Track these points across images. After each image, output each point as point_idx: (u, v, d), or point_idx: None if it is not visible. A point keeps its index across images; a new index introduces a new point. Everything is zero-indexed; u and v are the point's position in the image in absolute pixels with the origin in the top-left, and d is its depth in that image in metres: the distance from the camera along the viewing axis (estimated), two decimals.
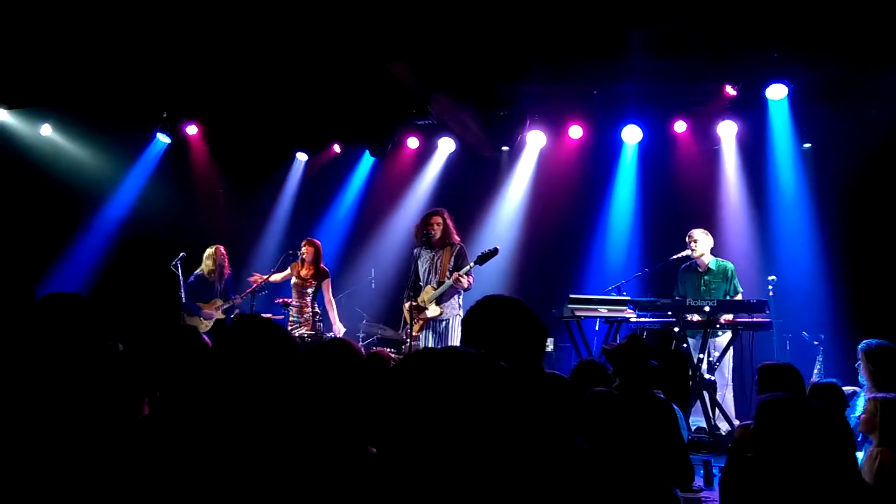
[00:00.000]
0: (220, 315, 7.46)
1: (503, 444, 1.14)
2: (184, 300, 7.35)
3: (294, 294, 7.19)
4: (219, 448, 1.52)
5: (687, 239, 6.75)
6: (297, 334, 7.01)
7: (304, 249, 7.27)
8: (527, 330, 1.87)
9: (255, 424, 1.59)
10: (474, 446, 1.11)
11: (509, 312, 1.89)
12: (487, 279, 7.55)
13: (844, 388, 5.05)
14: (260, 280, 7.26)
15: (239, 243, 9.15)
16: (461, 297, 6.42)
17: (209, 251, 7.58)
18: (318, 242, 7.41)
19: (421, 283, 6.47)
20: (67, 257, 8.46)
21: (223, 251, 7.63)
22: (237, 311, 7.48)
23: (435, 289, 6.33)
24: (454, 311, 6.34)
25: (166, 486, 1.49)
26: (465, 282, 6.19)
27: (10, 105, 8.40)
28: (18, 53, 6.84)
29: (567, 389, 2.53)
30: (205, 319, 7.41)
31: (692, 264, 6.78)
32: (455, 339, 6.31)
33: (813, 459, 2.40)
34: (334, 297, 7.53)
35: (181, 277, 7.30)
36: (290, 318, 7.13)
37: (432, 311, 6.29)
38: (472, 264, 6.20)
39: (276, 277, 7.39)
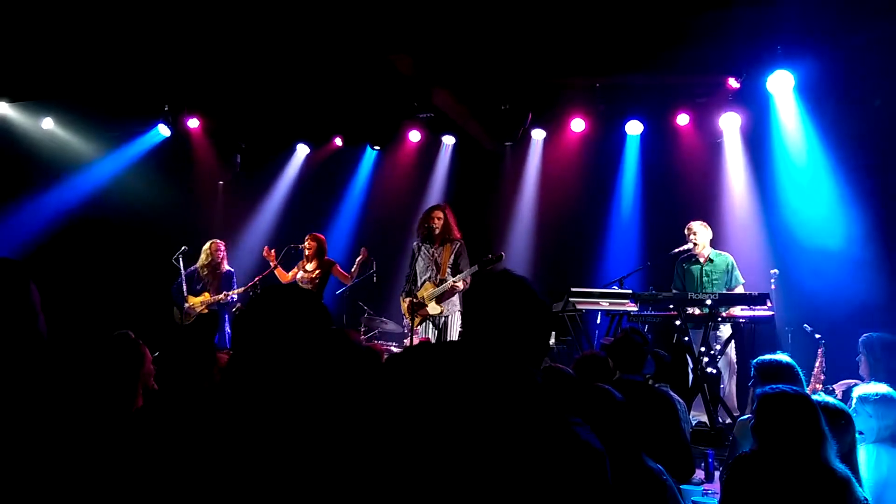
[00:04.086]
0: (202, 310, 7.29)
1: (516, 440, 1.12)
2: (173, 292, 7.34)
3: (301, 285, 7.19)
4: (223, 436, 1.52)
5: (686, 232, 6.74)
6: None
7: (307, 244, 7.27)
8: (527, 307, 1.72)
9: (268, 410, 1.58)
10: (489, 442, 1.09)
11: (516, 292, 1.74)
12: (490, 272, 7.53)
13: (846, 382, 5.05)
14: (271, 259, 7.27)
15: (240, 237, 9.16)
16: (462, 293, 6.44)
17: (206, 245, 7.48)
18: (322, 237, 7.40)
19: (420, 278, 6.49)
20: (64, 250, 8.44)
21: (219, 246, 7.49)
22: (238, 305, 7.43)
23: (435, 285, 6.34)
24: (454, 308, 6.37)
25: (164, 478, 1.49)
26: (461, 286, 6.27)
27: (11, 98, 8.40)
28: (20, 46, 6.84)
29: (570, 383, 2.54)
30: (188, 312, 7.30)
31: (692, 257, 6.78)
32: (454, 333, 6.34)
33: (811, 452, 2.40)
34: (336, 292, 7.57)
35: (182, 270, 7.31)
36: None
37: (432, 308, 6.32)
38: (473, 268, 6.22)
39: (287, 277, 7.37)
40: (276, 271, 7.34)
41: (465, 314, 1.76)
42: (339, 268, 7.30)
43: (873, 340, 4.58)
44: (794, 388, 2.63)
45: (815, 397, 3.07)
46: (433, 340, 6.42)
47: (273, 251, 7.38)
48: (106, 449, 2.05)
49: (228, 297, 7.30)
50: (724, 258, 6.70)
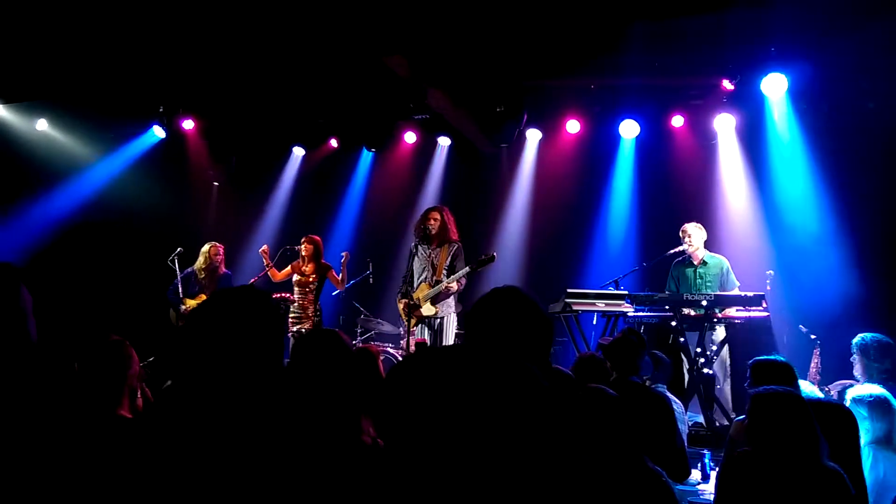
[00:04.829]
0: None
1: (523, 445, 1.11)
2: (169, 294, 7.29)
3: (296, 290, 7.17)
4: (208, 440, 1.51)
5: (681, 234, 6.76)
6: (295, 329, 7.03)
7: (303, 246, 7.25)
8: (533, 323, 1.78)
9: (242, 413, 1.57)
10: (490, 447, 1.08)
11: (514, 305, 1.80)
12: (485, 275, 7.55)
13: (842, 382, 5.08)
14: (265, 257, 7.27)
15: (235, 238, 9.14)
16: (456, 294, 6.44)
17: (205, 248, 7.40)
18: (318, 239, 7.38)
19: (416, 280, 6.49)
20: (60, 253, 8.40)
21: (218, 250, 7.40)
22: None
23: (430, 286, 6.34)
24: (449, 310, 6.38)
25: (153, 483, 1.48)
26: (455, 287, 6.26)
27: (6, 99, 8.37)
28: (14, 47, 6.82)
29: (571, 385, 2.54)
30: (185, 315, 7.20)
31: (686, 259, 6.80)
32: (450, 335, 6.34)
33: (804, 450, 2.42)
34: (333, 293, 7.56)
35: (178, 272, 7.27)
36: (291, 314, 7.12)
37: (426, 310, 6.32)
38: (466, 269, 6.22)
39: (279, 276, 7.34)
40: (269, 271, 7.33)
41: (470, 326, 1.79)
42: (334, 273, 7.24)
43: (867, 342, 4.58)
44: (786, 387, 2.64)
45: (815, 393, 3.08)
46: (429, 341, 6.42)
47: (267, 247, 7.37)
48: (87, 452, 2.04)
49: None
50: (717, 261, 6.72)
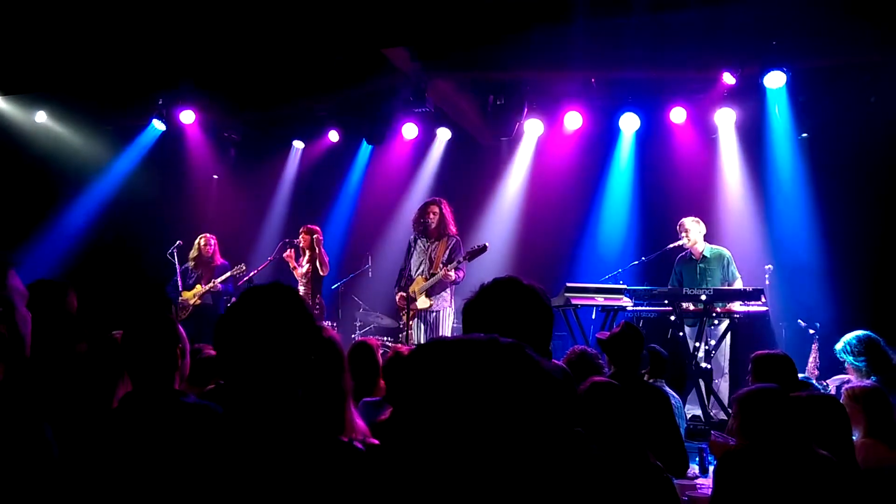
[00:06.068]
0: (195, 302, 7.32)
1: (525, 440, 1.10)
2: (169, 288, 7.34)
3: (299, 283, 7.16)
4: (200, 438, 1.51)
5: (678, 229, 6.75)
6: None
7: (301, 237, 7.24)
8: (533, 314, 1.74)
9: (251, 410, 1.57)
10: (497, 441, 1.07)
11: (516, 294, 1.76)
12: (484, 268, 7.53)
13: (840, 377, 5.07)
14: (291, 261, 7.25)
15: (235, 232, 9.14)
16: (453, 288, 6.44)
17: (197, 239, 7.52)
18: (316, 228, 7.34)
19: (413, 273, 6.49)
20: (58, 245, 8.40)
21: (209, 240, 7.49)
22: (232, 297, 7.43)
23: (426, 279, 6.35)
24: (444, 303, 6.38)
25: (142, 478, 1.48)
26: (453, 275, 6.26)
27: (4, 91, 8.35)
28: (13, 39, 6.80)
29: (570, 379, 2.54)
30: (183, 306, 7.28)
31: (687, 254, 6.79)
32: (445, 328, 6.35)
33: (794, 442, 2.45)
34: (332, 287, 7.56)
35: (178, 265, 7.30)
36: None
37: (421, 302, 6.32)
38: (460, 259, 6.23)
39: (300, 272, 7.30)
40: (293, 267, 7.34)
41: (470, 315, 1.77)
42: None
43: (847, 342, 4.50)
44: (769, 384, 2.69)
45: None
46: (424, 335, 6.42)
47: (292, 251, 7.36)
48: (72, 447, 2.03)
49: (218, 286, 7.29)
50: (718, 253, 6.72)
